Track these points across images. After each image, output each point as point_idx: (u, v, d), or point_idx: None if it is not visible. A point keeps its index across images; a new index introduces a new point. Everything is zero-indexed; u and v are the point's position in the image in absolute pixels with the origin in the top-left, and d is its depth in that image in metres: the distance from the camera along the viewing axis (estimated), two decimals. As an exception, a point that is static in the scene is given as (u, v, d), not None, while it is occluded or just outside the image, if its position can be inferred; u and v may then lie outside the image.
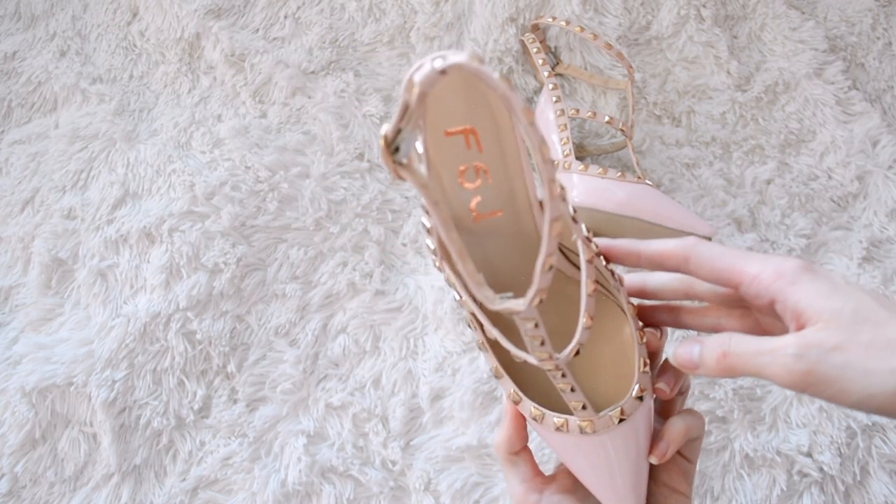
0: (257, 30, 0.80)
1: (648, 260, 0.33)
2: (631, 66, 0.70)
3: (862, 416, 0.56)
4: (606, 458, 0.32)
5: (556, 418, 0.32)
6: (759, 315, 0.33)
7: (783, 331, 0.29)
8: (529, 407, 0.33)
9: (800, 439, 0.56)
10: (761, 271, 0.29)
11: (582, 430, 0.32)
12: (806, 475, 0.55)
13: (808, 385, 0.26)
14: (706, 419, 0.56)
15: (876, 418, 0.56)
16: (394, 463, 0.56)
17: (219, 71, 0.78)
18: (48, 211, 0.68)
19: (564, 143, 0.65)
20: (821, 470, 0.55)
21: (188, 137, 0.73)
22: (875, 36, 0.80)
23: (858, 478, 0.55)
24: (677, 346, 0.31)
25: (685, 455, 0.37)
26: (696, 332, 0.40)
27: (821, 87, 0.74)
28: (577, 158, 0.72)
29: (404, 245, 0.66)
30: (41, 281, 0.64)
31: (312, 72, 0.77)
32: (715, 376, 0.30)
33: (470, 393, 0.57)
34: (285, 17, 0.80)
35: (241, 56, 0.76)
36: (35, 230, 0.67)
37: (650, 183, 0.65)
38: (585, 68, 0.77)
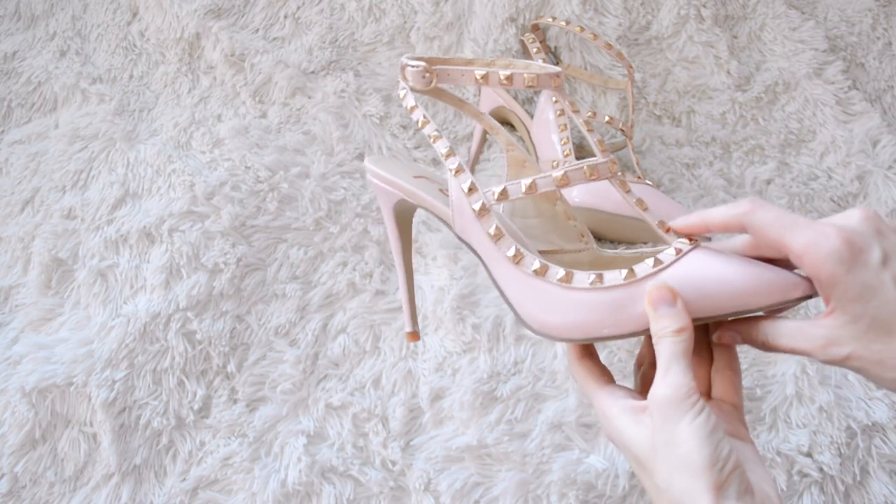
0: (257, 30, 0.80)
1: (717, 230, 0.36)
2: (631, 66, 0.70)
3: (862, 417, 0.56)
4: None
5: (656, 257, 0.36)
6: None
7: None
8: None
9: (800, 439, 0.56)
10: (804, 252, 0.31)
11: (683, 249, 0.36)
12: (806, 475, 0.55)
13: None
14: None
15: (876, 418, 0.56)
16: (394, 463, 0.56)
17: (219, 71, 0.77)
18: (48, 211, 0.68)
19: (564, 143, 0.65)
20: (821, 470, 0.55)
21: (188, 137, 0.73)
22: (875, 36, 0.80)
23: (858, 478, 0.55)
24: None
25: (729, 399, 0.37)
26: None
27: (821, 87, 0.74)
28: (578, 158, 0.72)
29: (404, 245, 0.66)
30: (41, 281, 0.64)
31: (312, 72, 0.77)
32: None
33: (470, 393, 0.57)
34: (285, 17, 0.80)
35: (241, 56, 0.76)
36: (35, 230, 0.67)
37: (650, 183, 0.65)
38: (585, 68, 0.77)
